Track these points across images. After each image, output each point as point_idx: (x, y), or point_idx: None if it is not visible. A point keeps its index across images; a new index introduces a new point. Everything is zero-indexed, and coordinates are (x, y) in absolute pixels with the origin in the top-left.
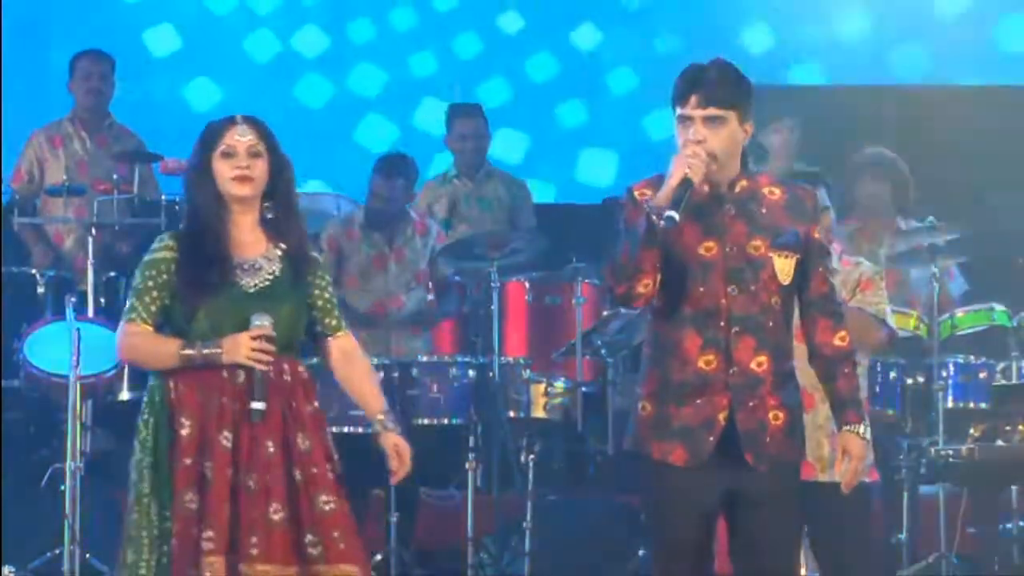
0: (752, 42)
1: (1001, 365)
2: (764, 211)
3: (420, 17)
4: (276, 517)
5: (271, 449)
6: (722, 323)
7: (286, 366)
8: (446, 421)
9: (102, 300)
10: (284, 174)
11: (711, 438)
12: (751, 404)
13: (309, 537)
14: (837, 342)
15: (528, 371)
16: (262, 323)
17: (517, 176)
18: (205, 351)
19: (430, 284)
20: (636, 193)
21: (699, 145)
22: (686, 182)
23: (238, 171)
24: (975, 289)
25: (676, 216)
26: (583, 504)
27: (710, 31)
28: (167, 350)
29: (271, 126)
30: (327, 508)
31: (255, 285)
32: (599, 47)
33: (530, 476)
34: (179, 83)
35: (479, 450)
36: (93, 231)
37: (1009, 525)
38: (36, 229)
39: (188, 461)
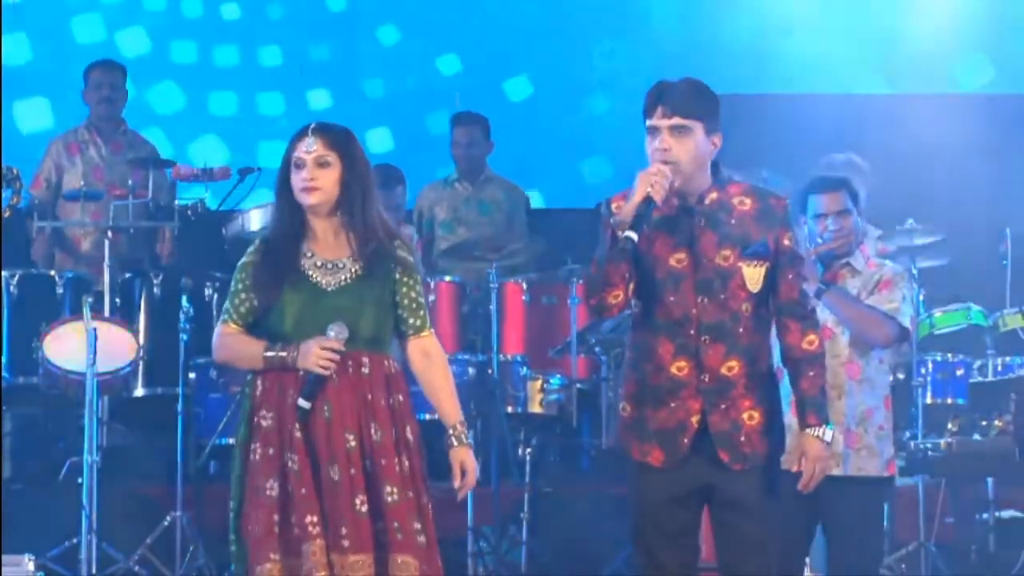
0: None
1: (978, 363)
2: (733, 221)
3: (242, 60)
4: (363, 508)
5: (352, 443)
6: (692, 331)
7: (365, 359)
8: None
9: (117, 300)
10: (356, 181)
11: (685, 440)
12: (723, 406)
13: (379, 525)
14: (805, 345)
15: (525, 368)
16: (334, 334)
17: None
18: (281, 354)
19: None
20: (613, 206)
21: (664, 153)
22: (648, 200)
23: (302, 182)
24: (953, 290)
25: (634, 237)
26: (578, 496)
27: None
28: (253, 352)
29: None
30: (389, 500)
31: (335, 284)
32: None
33: (527, 469)
34: None
35: (479, 444)
36: (109, 234)
37: (985, 515)
38: (57, 232)
39: (271, 451)
